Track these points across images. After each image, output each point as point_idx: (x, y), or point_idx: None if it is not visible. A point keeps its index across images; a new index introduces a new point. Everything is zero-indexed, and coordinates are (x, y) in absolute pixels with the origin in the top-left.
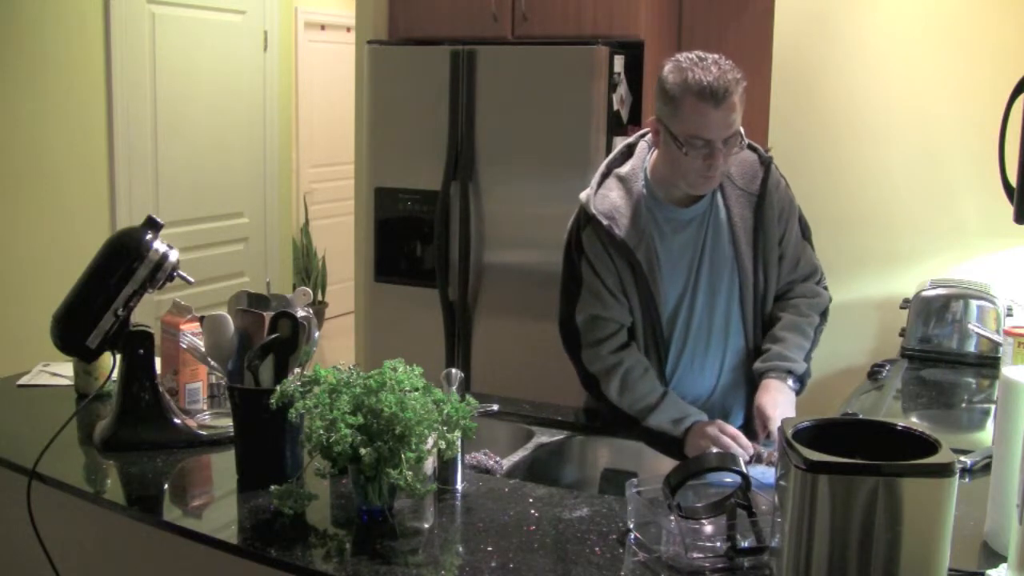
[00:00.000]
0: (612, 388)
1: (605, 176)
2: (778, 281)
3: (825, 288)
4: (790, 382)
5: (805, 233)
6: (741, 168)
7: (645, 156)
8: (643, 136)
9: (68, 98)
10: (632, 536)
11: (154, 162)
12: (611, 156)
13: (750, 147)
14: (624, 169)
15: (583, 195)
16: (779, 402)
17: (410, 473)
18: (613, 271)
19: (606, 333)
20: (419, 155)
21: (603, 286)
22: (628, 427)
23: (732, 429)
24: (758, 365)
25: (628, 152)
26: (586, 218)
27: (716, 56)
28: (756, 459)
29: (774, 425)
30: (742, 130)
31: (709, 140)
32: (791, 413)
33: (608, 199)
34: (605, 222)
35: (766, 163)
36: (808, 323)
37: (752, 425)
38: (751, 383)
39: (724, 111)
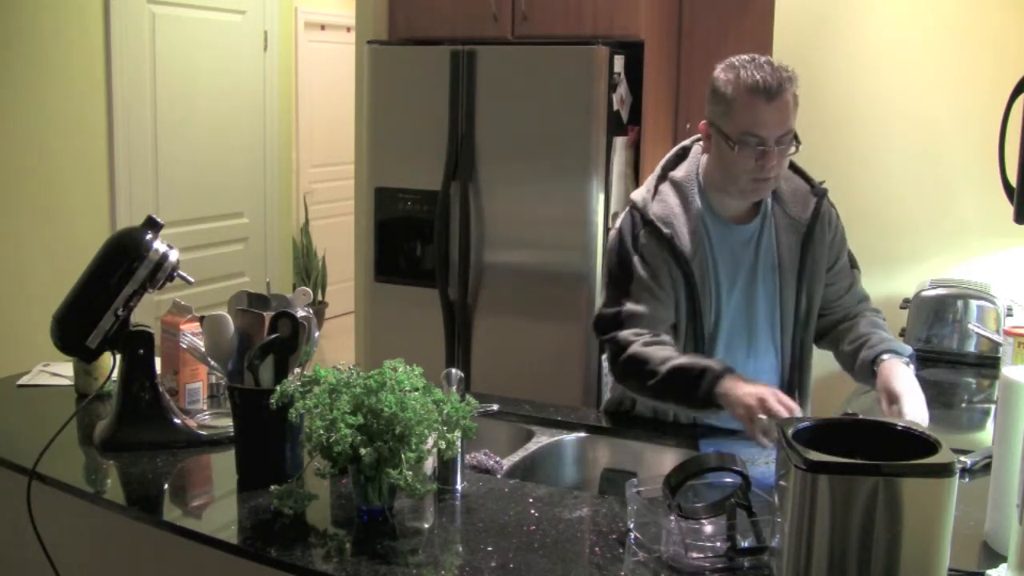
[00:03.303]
0: (640, 348)
1: (661, 180)
2: (820, 307)
3: None
4: (911, 366)
5: (853, 264)
6: (793, 196)
7: (699, 160)
8: (697, 140)
9: (68, 98)
10: (632, 536)
11: (154, 162)
12: (665, 158)
13: (804, 177)
14: (679, 174)
15: (638, 196)
16: (911, 384)
17: (410, 473)
18: (667, 274)
19: (647, 331)
20: (419, 155)
21: (656, 285)
22: (632, 425)
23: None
24: (866, 352)
25: (682, 154)
26: (643, 221)
27: (768, 57)
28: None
29: (906, 405)
30: (797, 133)
31: (762, 137)
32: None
33: (666, 205)
34: (666, 231)
35: (819, 194)
36: (884, 329)
37: None
38: None
39: (777, 107)
